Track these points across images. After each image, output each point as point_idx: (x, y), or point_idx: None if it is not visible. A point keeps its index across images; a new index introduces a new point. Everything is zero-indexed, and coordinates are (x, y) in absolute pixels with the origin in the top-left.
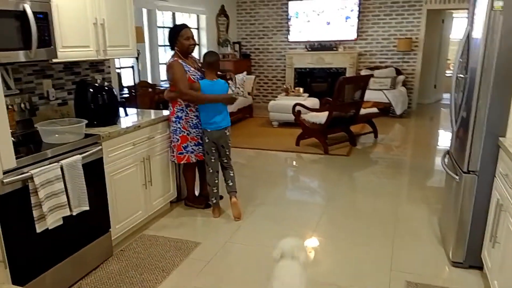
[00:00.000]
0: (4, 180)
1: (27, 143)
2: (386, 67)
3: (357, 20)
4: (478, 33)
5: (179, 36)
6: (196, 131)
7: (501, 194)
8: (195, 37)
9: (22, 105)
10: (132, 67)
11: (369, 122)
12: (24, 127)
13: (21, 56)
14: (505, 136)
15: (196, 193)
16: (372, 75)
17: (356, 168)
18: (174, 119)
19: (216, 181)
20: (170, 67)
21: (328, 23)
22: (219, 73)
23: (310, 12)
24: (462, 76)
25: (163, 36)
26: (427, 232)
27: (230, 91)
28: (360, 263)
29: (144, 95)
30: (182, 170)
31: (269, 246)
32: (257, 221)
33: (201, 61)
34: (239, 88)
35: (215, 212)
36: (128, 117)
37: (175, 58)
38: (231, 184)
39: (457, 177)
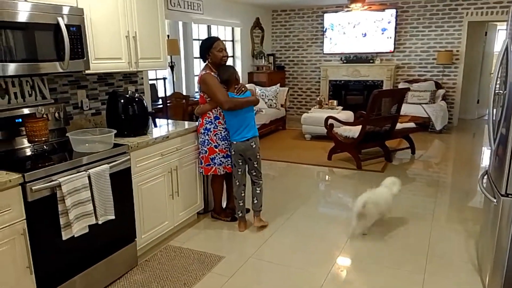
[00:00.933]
0: (33, 188)
1: (59, 151)
2: (425, 80)
3: (394, 32)
4: None
5: (212, 48)
6: (225, 143)
7: None
8: (230, 50)
9: (57, 115)
10: (164, 78)
11: (406, 137)
12: (58, 135)
13: (54, 67)
14: None
15: (224, 205)
16: (409, 89)
17: None
18: (202, 131)
19: (243, 195)
20: (204, 80)
21: (364, 35)
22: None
23: (346, 24)
24: (501, 91)
25: (198, 49)
26: (462, 257)
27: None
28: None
29: (177, 107)
30: (210, 182)
31: (292, 265)
32: (284, 237)
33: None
34: (271, 100)
35: (241, 226)
36: (158, 128)
37: (207, 71)
38: (255, 202)
39: (494, 200)
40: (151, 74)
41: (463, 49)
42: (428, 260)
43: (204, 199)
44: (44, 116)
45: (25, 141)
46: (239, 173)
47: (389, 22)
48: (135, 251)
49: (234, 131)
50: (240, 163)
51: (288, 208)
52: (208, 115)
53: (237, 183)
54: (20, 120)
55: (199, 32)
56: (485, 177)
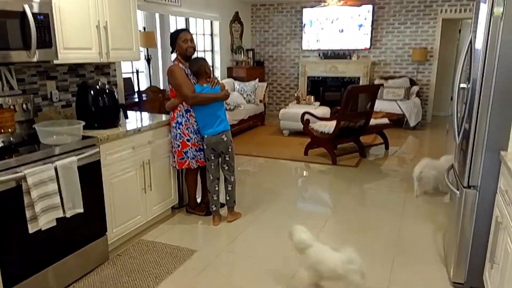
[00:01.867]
0: None
1: (26, 143)
2: (400, 77)
3: (370, 29)
4: (479, 41)
5: (177, 39)
6: (197, 136)
7: (500, 211)
8: (208, 44)
9: (24, 106)
10: (138, 72)
11: (380, 133)
12: (26, 127)
13: (20, 56)
14: (507, 150)
15: (199, 200)
16: (382, 85)
17: (364, 180)
18: (174, 125)
19: (216, 189)
20: (171, 71)
21: (342, 31)
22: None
23: (324, 19)
24: (464, 86)
25: None
26: (430, 250)
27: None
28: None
29: (154, 100)
30: (184, 176)
31: (264, 258)
32: (258, 231)
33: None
34: (250, 95)
35: (215, 220)
36: (130, 121)
37: (176, 63)
38: (228, 199)
39: (458, 192)
40: (127, 67)
41: (437, 46)
42: (396, 252)
43: (179, 193)
44: (11, 107)
45: None
46: (212, 167)
47: (365, 18)
48: (106, 245)
49: (204, 125)
50: (213, 157)
51: (263, 203)
52: (179, 108)
53: (211, 177)
54: None
55: (177, 25)
56: (451, 170)
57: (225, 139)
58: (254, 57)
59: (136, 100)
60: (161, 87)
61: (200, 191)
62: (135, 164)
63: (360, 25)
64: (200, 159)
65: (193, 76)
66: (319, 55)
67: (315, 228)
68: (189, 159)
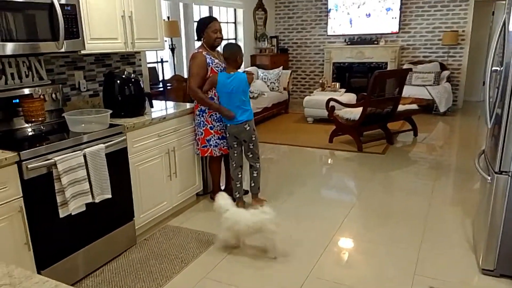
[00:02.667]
0: (29, 166)
1: (56, 131)
2: (430, 61)
3: (399, 12)
4: None
5: (207, 28)
6: (220, 124)
7: None
8: (232, 32)
9: (54, 95)
10: (162, 61)
11: (408, 119)
12: (56, 116)
13: (49, 47)
14: None
15: (222, 187)
16: (410, 69)
17: (391, 167)
18: (198, 112)
19: (240, 176)
20: (193, 58)
21: (369, 15)
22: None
23: (350, 4)
24: (497, 69)
25: None
26: (458, 236)
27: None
28: (383, 265)
29: (178, 89)
30: (208, 164)
31: (287, 242)
32: (282, 217)
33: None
34: (274, 83)
35: (239, 206)
36: (155, 109)
37: (200, 50)
38: (253, 185)
39: (489, 178)
40: (152, 57)
41: (469, 29)
42: (424, 238)
43: (203, 180)
44: (41, 96)
45: (23, 121)
46: (235, 154)
47: (393, 2)
48: (134, 230)
49: None
50: (235, 145)
51: (287, 190)
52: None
53: (234, 165)
54: (17, 100)
55: (200, 13)
56: (481, 156)
57: (248, 128)
58: (278, 44)
59: (161, 89)
60: (185, 76)
61: (223, 178)
62: (161, 152)
63: (388, 9)
64: (223, 147)
65: (224, 61)
66: (345, 40)
67: (340, 215)
68: (212, 147)
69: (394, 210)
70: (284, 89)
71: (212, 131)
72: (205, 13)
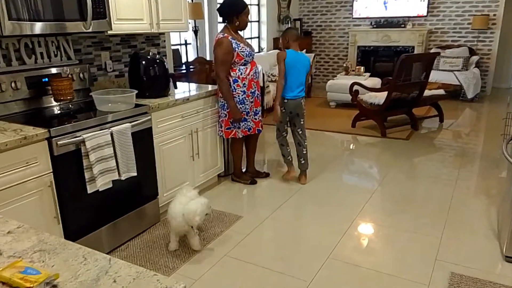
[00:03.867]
0: (58, 142)
1: (83, 110)
2: (458, 46)
3: None
4: None
5: (242, 13)
6: (243, 106)
7: None
8: (255, 14)
9: (81, 75)
10: (187, 43)
11: (434, 105)
12: (83, 95)
13: (77, 27)
14: None
15: (244, 169)
16: (438, 53)
17: (415, 153)
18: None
19: (289, 150)
20: (220, 43)
21: None
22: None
23: None
24: None
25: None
26: (482, 224)
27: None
28: (404, 250)
29: (201, 72)
30: (230, 145)
31: (307, 226)
32: (302, 201)
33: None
34: None
35: (291, 171)
36: (179, 90)
37: (225, 34)
38: (303, 162)
39: None
40: (175, 39)
41: (501, 13)
42: (446, 225)
43: (225, 162)
44: (69, 76)
45: (52, 99)
46: (284, 135)
47: None
48: (158, 208)
49: (289, 89)
50: (285, 127)
51: (309, 174)
52: (226, 78)
53: (283, 145)
54: (47, 79)
55: None
56: (510, 142)
57: (303, 103)
58: (302, 27)
59: (184, 71)
60: (208, 58)
61: (245, 160)
62: (184, 132)
63: None
64: (245, 129)
65: (293, 39)
66: (371, 23)
67: (361, 201)
68: (235, 128)
69: (417, 197)
70: None
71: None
72: None
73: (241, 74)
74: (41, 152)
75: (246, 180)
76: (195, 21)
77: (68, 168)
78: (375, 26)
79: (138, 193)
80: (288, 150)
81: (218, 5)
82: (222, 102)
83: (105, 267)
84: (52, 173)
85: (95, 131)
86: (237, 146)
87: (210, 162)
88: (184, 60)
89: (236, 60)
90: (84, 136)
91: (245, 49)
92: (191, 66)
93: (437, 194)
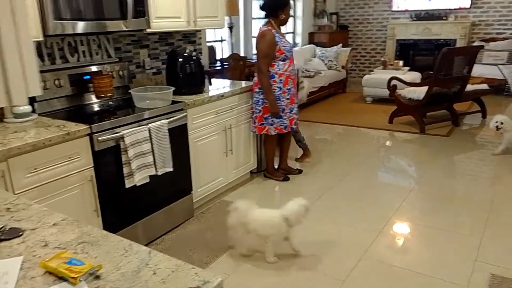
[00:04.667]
0: (99, 138)
1: (122, 107)
2: (503, 39)
3: None
4: None
5: (286, 8)
6: (278, 103)
7: None
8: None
9: (121, 73)
10: (222, 40)
11: (477, 100)
12: (122, 92)
13: (118, 25)
14: None
15: (276, 166)
16: (482, 47)
17: (455, 150)
18: (257, 90)
19: (302, 135)
20: (264, 35)
21: None
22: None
23: None
24: None
25: (257, 9)
26: None
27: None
28: (442, 250)
29: (235, 68)
30: (263, 142)
31: (342, 224)
32: (335, 199)
33: None
34: (332, 61)
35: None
36: (213, 87)
37: (269, 27)
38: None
39: None
40: (210, 36)
41: None
42: (487, 225)
43: (258, 158)
44: (110, 73)
45: (93, 96)
46: None
47: None
48: (191, 203)
49: None
50: None
51: (343, 171)
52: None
53: (296, 131)
54: (89, 77)
55: None
56: None
57: None
58: (338, 21)
59: (218, 67)
60: (242, 54)
61: (278, 157)
62: (218, 129)
63: None
64: (279, 126)
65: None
66: (411, 16)
67: (398, 199)
68: (269, 125)
69: (456, 196)
70: (343, 67)
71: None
72: None
73: (279, 69)
74: (83, 148)
75: (278, 177)
76: (230, 17)
77: (107, 163)
78: (415, 19)
79: (173, 188)
80: (302, 135)
81: (252, 1)
82: (257, 97)
83: (145, 260)
84: (93, 168)
85: (134, 127)
86: (270, 143)
87: (243, 158)
88: (218, 56)
89: (277, 54)
90: (124, 132)
91: (287, 44)
92: (225, 63)
93: (477, 193)
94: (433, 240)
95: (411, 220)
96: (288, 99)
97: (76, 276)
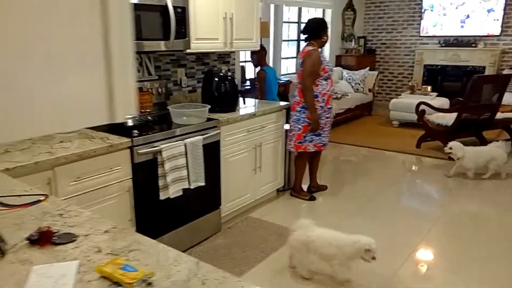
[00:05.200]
0: (139, 151)
1: (160, 122)
2: None
3: (502, 13)
4: None
5: (326, 31)
6: (319, 122)
7: None
8: None
9: (159, 90)
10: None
11: (507, 128)
12: (160, 108)
13: (161, 46)
14: None
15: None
16: None
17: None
18: (299, 109)
19: None
20: (310, 55)
21: (467, 17)
22: None
23: (448, 4)
24: None
25: (287, 31)
26: None
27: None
28: (469, 282)
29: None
30: (295, 160)
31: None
32: (361, 221)
33: None
34: (359, 84)
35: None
36: (245, 106)
37: (314, 48)
38: None
39: None
40: (241, 57)
41: None
42: None
43: (285, 177)
44: (150, 90)
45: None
46: None
47: (497, 3)
48: (219, 218)
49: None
50: None
51: (367, 194)
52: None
53: None
54: None
55: (290, 15)
56: None
57: None
58: (366, 44)
59: (248, 87)
60: None
61: (307, 175)
62: (248, 146)
63: (490, 10)
64: (318, 143)
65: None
66: (439, 42)
67: (425, 225)
68: (307, 142)
69: (487, 225)
70: (370, 90)
71: (309, 128)
72: (294, 15)
73: (323, 89)
74: (123, 159)
75: (305, 196)
76: (261, 39)
77: (144, 175)
78: (443, 45)
79: (203, 202)
80: None
81: (283, 24)
82: (297, 116)
83: (193, 270)
84: (131, 179)
85: (171, 142)
86: (302, 160)
87: (270, 176)
88: (248, 76)
89: (321, 73)
90: (161, 146)
91: (329, 64)
92: (256, 83)
93: (510, 224)
94: (461, 270)
95: (439, 248)
96: (328, 117)
97: (131, 281)
